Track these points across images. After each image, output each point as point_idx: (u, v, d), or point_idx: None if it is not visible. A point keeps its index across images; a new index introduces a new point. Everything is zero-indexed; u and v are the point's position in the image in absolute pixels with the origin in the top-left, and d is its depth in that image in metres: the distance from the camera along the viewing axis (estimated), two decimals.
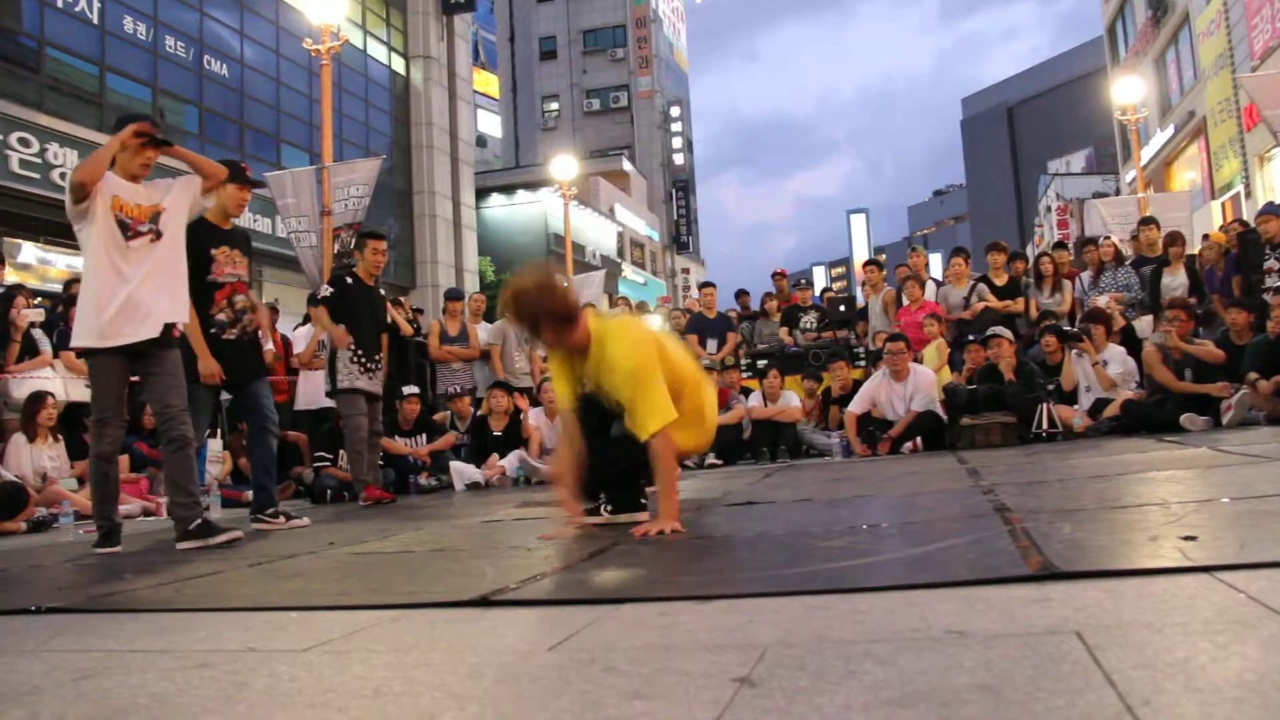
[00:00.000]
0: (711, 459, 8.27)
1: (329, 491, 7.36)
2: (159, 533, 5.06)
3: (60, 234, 12.75)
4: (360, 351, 6.42)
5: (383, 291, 7.02)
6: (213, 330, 4.93)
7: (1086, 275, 9.62)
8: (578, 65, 51.52)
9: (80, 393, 7.17)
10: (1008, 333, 8.04)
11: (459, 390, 9.00)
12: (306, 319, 9.02)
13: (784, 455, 8.32)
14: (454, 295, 9.96)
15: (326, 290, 6.50)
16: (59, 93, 14.16)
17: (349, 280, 6.54)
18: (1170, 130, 25.56)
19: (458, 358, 9.37)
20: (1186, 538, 2.14)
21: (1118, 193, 28.67)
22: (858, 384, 8.55)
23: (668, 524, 3.20)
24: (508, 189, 34.16)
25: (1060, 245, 12.95)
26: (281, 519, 5.12)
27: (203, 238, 4.88)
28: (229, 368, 4.99)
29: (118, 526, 4.35)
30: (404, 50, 23.20)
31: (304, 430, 8.40)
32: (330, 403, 7.17)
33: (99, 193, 4.15)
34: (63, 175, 13.19)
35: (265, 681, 1.56)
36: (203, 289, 4.85)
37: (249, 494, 7.20)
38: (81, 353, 4.47)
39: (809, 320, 10.46)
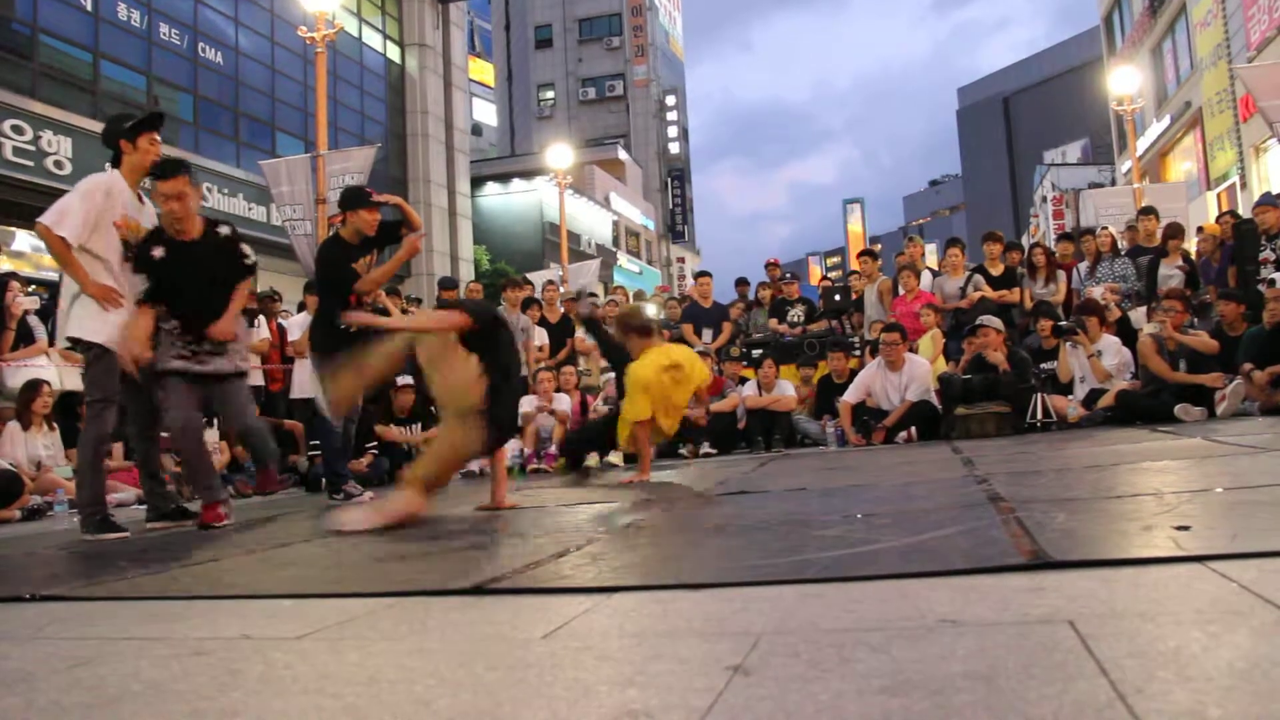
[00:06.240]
0: (706, 448, 8.29)
1: (323, 480, 7.34)
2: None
3: None
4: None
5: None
6: None
7: (1084, 265, 9.62)
8: (573, 54, 51.35)
9: (75, 381, 7.15)
10: (996, 322, 8.01)
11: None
12: (301, 306, 8.99)
13: (779, 445, 8.32)
14: (448, 284, 9.93)
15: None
16: (53, 80, 14.08)
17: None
18: (1166, 121, 25.54)
19: None
20: (1180, 528, 2.15)
21: (1113, 183, 28.67)
22: (854, 374, 8.55)
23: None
24: (503, 178, 34.11)
25: (1066, 236, 12.96)
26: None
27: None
28: None
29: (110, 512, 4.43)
30: (399, 38, 23.09)
31: (299, 419, 8.38)
32: None
33: (108, 213, 4.33)
34: (56, 163, 13.12)
35: (260, 669, 1.56)
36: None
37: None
38: (81, 345, 4.47)
39: (796, 314, 10.47)
